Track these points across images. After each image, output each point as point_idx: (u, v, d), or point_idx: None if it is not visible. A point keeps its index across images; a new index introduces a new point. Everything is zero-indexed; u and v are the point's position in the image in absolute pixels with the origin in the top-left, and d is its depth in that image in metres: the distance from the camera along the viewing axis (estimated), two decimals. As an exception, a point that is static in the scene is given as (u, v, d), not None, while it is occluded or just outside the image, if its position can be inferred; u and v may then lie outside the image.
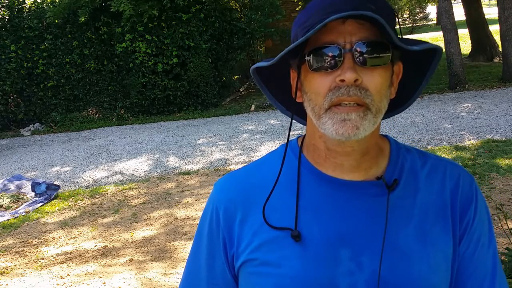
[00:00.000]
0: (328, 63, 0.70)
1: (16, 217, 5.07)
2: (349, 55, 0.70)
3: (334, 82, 0.70)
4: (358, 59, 0.70)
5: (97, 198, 5.50)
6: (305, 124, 0.88)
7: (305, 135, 0.85)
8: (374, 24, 0.70)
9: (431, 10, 29.89)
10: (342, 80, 0.69)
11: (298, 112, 0.88)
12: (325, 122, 0.72)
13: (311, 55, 0.72)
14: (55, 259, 3.96)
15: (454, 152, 5.58)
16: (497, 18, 9.81)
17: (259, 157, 0.92)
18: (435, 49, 0.74)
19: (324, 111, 0.72)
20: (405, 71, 0.80)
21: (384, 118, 0.77)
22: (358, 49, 0.69)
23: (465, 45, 13.99)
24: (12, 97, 10.92)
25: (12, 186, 5.98)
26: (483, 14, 12.82)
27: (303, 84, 0.77)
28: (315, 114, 0.74)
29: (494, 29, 12.46)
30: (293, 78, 0.81)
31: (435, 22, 26.92)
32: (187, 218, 4.54)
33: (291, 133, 0.86)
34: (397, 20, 0.78)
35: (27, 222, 4.89)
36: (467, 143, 5.94)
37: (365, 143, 0.76)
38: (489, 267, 0.80)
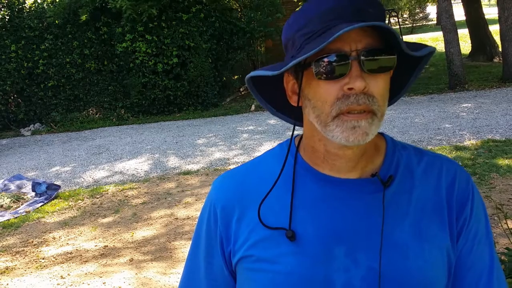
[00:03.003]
0: (335, 72, 0.70)
1: (16, 217, 5.07)
2: (356, 63, 0.70)
3: (341, 91, 0.71)
4: (365, 67, 0.70)
5: (97, 198, 5.50)
6: (294, 124, 0.89)
7: (302, 135, 0.86)
8: (375, 28, 0.71)
9: (431, 10, 29.90)
10: (351, 89, 0.70)
11: (289, 113, 0.89)
12: (333, 129, 0.72)
13: (317, 62, 0.71)
14: (55, 259, 3.96)
15: (454, 152, 5.58)
16: (497, 18, 9.81)
17: (258, 157, 0.92)
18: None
19: (331, 119, 0.72)
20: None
21: None
22: (365, 56, 0.70)
23: (465, 45, 13.99)
24: (12, 97, 10.93)
25: (12, 186, 5.98)
26: (483, 14, 12.82)
27: (304, 90, 0.77)
28: (320, 122, 0.74)
29: (494, 29, 12.47)
30: (287, 82, 0.81)
31: (435, 22, 26.92)
32: (187, 218, 4.55)
33: (290, 133, 0.87)
34: (396, 20, 0.78)
35: (27, 222, 4.90)
36: (467, 143, 5.94)
37: (364, 145, 0.77)
38: (487, 263, 0.81)
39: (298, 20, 0.76)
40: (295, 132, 0.86)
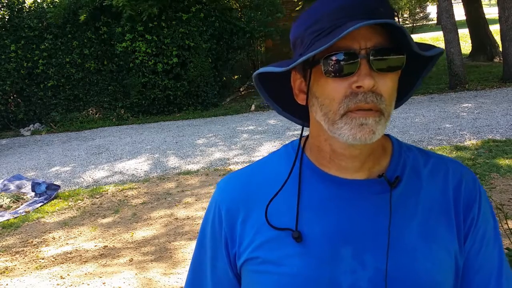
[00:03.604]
0: (344, 69, 0.70)
1: (16, 217, 5.07)
2: (364, 61, 0.69)
3: (350, 88, 0.70)
4: (374, 65, 0.69)
5: (97, 198, 5.50)
6: (300, 124, 0.88)
7: (307, 135, 0.85)
8: (384, 27, 0.70)
9: (432, 10, 29.90)
10: (359, 87, 0.69)
11: (294, 112, 0.88)
12: (341, 127, 0.72)
13: (326, 60, 0.71)
14: (55, 259, 3.95)
15: (454, 152, 5.58)
16: (497, 18, 9.80)
17: (259, 157, 0.92)
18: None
19: (339, 117, 0.72)
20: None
21: None
22: (374, 55, 0.69)
23: (466, 45, 13.99)
24: (12, 97, 10.93)
25: (12, 186, 5.98)
26: (483, 14, 12.82)
27: (312, 88, 0.76)
28: (328, 119, 0.74)
29: (495, 29, 12.46)
30: (295, 80, 0.81)
31: (435, 22, 26.93)
32: (187, 218, 4.54)
33: (291, 133, 0.86)
34: (397, 20, 0.77)
35: (27, 222, 4.89)
36: (467, 143, 5.93)
37: (371, 145, 0.76)
38: (495, 264, 0.81)
39: (308, 19, 0.75)
40: (299, 132, 0.86)
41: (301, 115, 0.87)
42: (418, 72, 0.81)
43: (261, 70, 0.79)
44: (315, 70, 0.74)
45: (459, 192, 0.80)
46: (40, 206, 5.37)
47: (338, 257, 0.75)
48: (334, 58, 0.70)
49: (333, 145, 0.77)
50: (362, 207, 0.77)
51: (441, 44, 11.35)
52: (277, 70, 0.75)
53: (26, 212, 5.21)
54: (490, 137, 6.06)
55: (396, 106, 0.86)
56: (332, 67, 0.70)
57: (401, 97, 0.83)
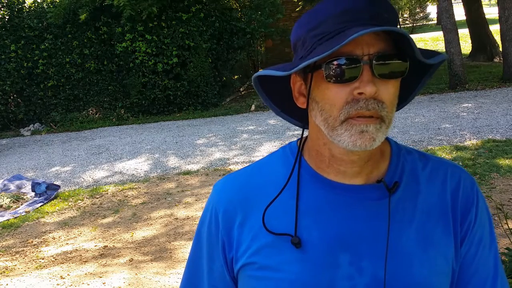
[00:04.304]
0: (346, 75, 0.69)
1: (16, 217, 5.07)
2: (367, 67, 0.69)
3: (351, 95, 0.69)
4: (376, 71, 0.69)
5: (97, 198, 5.50)
6: (299, 126, 0.87)
7: (305, 137, 0.84)
8: (388, 33, 0.70)
9: (432, 10, 29.91)
10: (361, 93, 0.69)
11: (292, 114, 0.88)
12: (341, 134, 0.71)
13: (328, 64, 0.70)
14: (55, 259, 3.95)
15: (454, 152, 5.57)
16: (497, 18, 9.81)
17: (259, 157, 0.92)
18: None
19: (339, 123, 0.71)
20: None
21: None
22: (377, 62, 0.69)
23: (466, 45, 13.99)
24: (12, 97, 10.92)
25: (12, 186, 5.98)
26: (483, 14, 12.83)
27: (313, 92, 0.75)
28: (328, 125, 0.73)
29: (495, 29, 12.47)
30: (295, 83, 0.80)
31: (435, 22, 26.94)
32: (187, 218, 4.54)
33: (291, 133, 0.86)
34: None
35: (27, 222, 4.89)
36: (467, 143, 5.93)
37: (370, 150, 0.75)
38: (491, 268, 0.81)
39: (311, 20, 0.74)
40: (298, 132, 0.85)
41: (300, 117, 0.86)
42: (418, 76, 0.81)
43: (261, 73, 0.78)
44: (316, 74, 0.73)
45: (457, 196, 0.80)
46: (40, 206, 5.37)
47: (336, 263, 0.75)
48: (336, 63, 0.69)
49: (332, 150, 0.77)
50: (360, 213, 0.77)
51: (441, 44, 11.34)
52: (278, 74, 0.74)
53: (26, 212, 5.21)
54: (490, 137, 6.06)
55: (396, 110, 0.85)
56: (334, 72, 0.69)
57: (400, 101, 0.82)
